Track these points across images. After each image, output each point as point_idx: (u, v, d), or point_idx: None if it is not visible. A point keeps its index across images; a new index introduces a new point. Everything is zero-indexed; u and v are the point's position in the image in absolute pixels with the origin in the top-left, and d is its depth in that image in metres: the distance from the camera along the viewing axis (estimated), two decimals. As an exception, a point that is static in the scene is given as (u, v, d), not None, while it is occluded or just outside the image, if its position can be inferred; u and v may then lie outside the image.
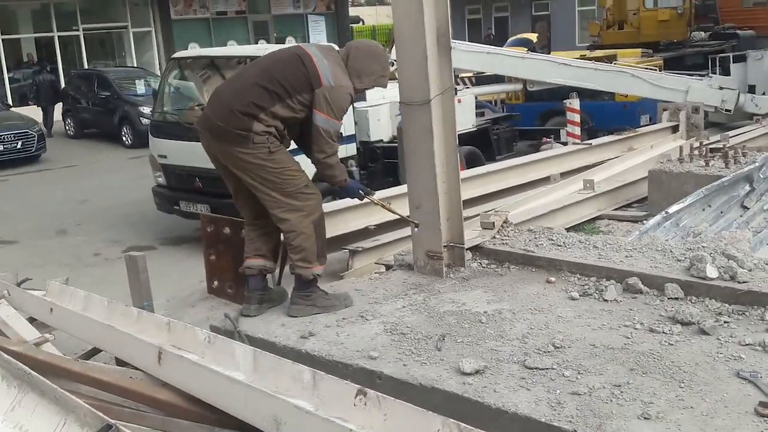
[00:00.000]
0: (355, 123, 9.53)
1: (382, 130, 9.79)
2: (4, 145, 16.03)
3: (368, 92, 10.48)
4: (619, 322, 3.78)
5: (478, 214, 5.54)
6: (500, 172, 8.02)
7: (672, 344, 3.49)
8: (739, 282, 3.86)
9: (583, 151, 8.99)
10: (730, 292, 3.84)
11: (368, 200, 4.58)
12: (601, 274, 4.31)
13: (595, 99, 12.94)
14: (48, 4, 23.24)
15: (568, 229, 7.10)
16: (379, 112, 9.85)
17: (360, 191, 4.49)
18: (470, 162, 10.30)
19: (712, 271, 3.94)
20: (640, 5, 16.27)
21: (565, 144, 10.77)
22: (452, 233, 4.69)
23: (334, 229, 6.04)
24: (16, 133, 16.28)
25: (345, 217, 6.36)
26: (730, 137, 9.67)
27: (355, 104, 9.80)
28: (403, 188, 7.67)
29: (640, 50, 14.44)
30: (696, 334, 3.58)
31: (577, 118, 11.77)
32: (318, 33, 29.91)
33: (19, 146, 16.28)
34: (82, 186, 13.99)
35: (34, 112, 19.51)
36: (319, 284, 4.30)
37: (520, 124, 13.04)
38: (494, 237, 4.97)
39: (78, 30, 23.97)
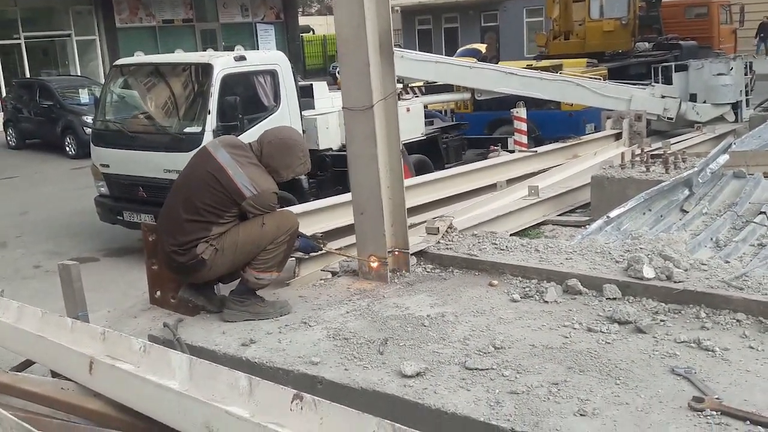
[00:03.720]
0: (303, 131, 9.48)
1: (331, 138, 9.76)
2: (-60, 156, 15.54)
3: (317, 100, 10.58)
4: (558, 322, 3.83)
5: (426, 221, 5.57)
6: (448, 179, 8.06)
7: (609, 343, 3.54)
8: (675, 282, 3.95)
9: (528, 158, 9.11)
10: (666, 292, 3.92)
11: (326, 250, 4.72)
12: (542, 276, 4.36)
13: (541, 108, 13.12)
14: (-12, 11, 22.71)
15: (513, 235, 7.22)
16: (328, 120, 9.84)
17: (313, 244, 4.60)
18: (419, 170, 10.35)
19: (648, 272, 4.01)
20: (585, 16, 16.59)
21: (512, 152, 10.89)
22: (397, 239, 4.69)
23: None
24: (-47, 145, 15.80)
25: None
26: (672, 144, 9.92)
27: (304, 113, 9.80)
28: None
29: (585, 60, 14.72)
30: (633, 332, 3.64)
31: (524, 126, 11.91)
32: (267, 42, 29.77)
33: (-43, 157, 15.80)
34: (23, 198, 13.62)
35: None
36: (259, 292, 4.25)
37: (469, 132, 13.16)
38: (439, 242, 4.99)
39: (19, 38, 23.42)
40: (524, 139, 11.91)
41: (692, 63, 12.44)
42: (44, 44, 24.85)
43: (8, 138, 19.82)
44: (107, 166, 9.28)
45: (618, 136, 10.12)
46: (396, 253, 4.69)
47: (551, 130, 12.73)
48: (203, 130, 8.42)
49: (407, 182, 7.97)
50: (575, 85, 11.49)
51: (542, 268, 4.38)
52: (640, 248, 4.46)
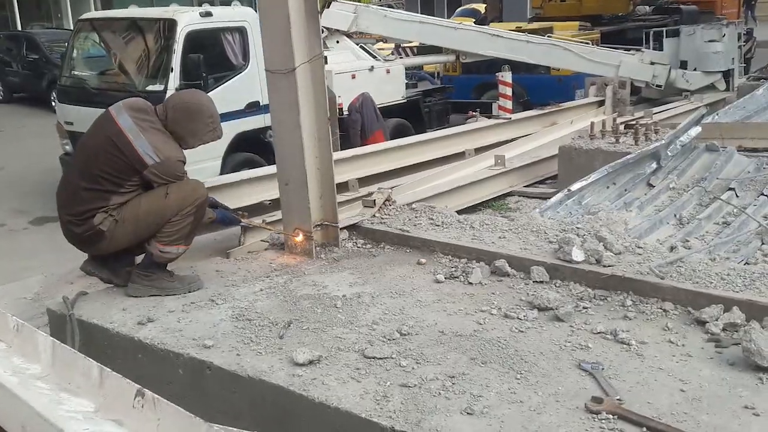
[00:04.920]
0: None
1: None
2: None
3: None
4: (476, 306, 3.60)
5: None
6: (414, 146, 7.78)
7: (522, 331, 3.32)
8: (604, 266, 3.70)
9: (502, 125, 8.80)
10: (594, 276, 3.68)
11: (246, 223, 4.52)
12: (471, 255, 4.12)
13: (531, 72, 12.76)
14: (-22, -37, 22.24)
15: (478, 206, 6.98)
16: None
17: (233, 216, 4.40)
18: (399, 134, 10.09)
19: (578, 254, 3.77)
20: (583, -23, 16.05)
21: (496, 117, 10.57)
22: (325, 212, 4.45)
23: (227, 203, 5.75)
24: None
25: (240, 191, 6.06)
26: (655, 113, 9.58)
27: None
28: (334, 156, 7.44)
29: (577, 23, 14.24)
30: (551, 320, 3.41)
31: (509, 91, 11.55)
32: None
33: (-60, 110, 15.58)
34: (4, 152, 13.44)
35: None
36: (175, 263, 4.03)
37: (456, 96, 12.83)
38: (374, 216, 4.74)
39: (11, -10, 23.02)
40: (509, 104, 11.56)
41: (683, 29, 11.98)
42: (37, -4, 24.46)
43: (-5, 91, 19.59)
44: (71, 123, 9.05)
45: (601, 104, 9.79)
46: (324, 226, 4.45)
47: (540, 95, 12.37)
48: (165, 88, 8.17)
49: (369, 148, 7.78)
50: (562, 50, 11.09)
51: (472, 247, 4.14)
52: (577, 228, 4.21)
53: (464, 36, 11.52)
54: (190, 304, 3.79)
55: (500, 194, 7.21)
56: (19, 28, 22.58)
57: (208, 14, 8.66)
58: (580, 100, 10.33)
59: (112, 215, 3.75)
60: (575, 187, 5.99)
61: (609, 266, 3.69)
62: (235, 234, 5.84)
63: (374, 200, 4.79)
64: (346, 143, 9.13)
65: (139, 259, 4.11)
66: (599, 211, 5.57)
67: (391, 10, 12.51)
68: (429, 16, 12.50)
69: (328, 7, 11.04)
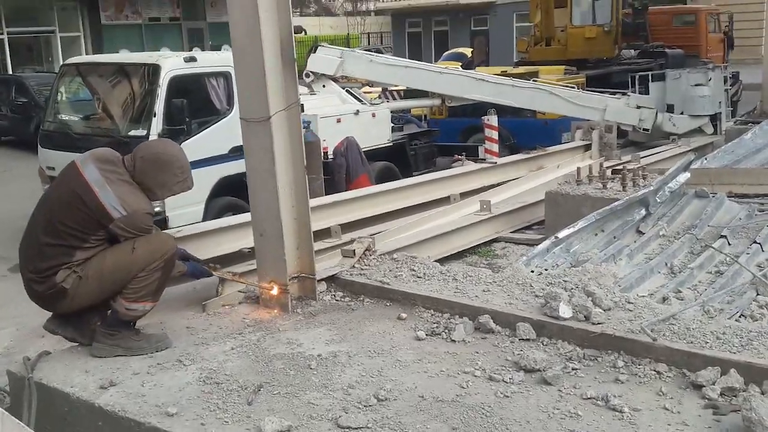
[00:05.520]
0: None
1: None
2: None
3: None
4: (459, 367, 3.40)
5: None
6: (398, 191, 7.61)
7: (508, 396, 3.11)
8: (593, 323, 3.52)
9: (488, 170, 8.66)
10: (583, 334, 3.49)
11: (218, 275, 4.37)
12: (454, 310, 3.93)
13: (517, 116, 12.72)
14: (-28, 7, 22.24)
15: (464, 252, 6.80)
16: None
17: (203, 269, 4.24)
18: (385, 178, 9.96)
19: (565, 311, 3.58)
20: (567, 22, 16.13)
21: (483, 161, 10.47)
22: (302, 263, 4.26)
23: (204, 251, 5.56)
24: None
25: (217, 239, 5.87)
26: (642, 157, 9.50)
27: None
28: (314, 202, 7.26)
29: (563, 67, 14.27)
30: (538, 383, 3.21)
31: (495, 134, 11.49)
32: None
33: (-76, 154, 15.35)
34: (-13, 197, 13.21)
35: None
36: (139, 321, 3.82)
37: (442, 139, 12.76)
38: (353, 266, 4.56)
39: (2, 33, 22.95)
40: (495, 147, 11.50)
41: (669, 72, 11.99)
42: (28, 40, 24.39)
43: (-17, 134, 19.42)
44: (53, 168, 8.86)
45: (588, 148, 9.70)
46: (301, 278, 4.26)
47: (527, 138, 12.33)
48: (148, 133, 8.04)
49: (353, 193, 7.62)
50: (548, 93, 11.02)
51: (455, 301, 3.95)
52: (564, 281, 4.03)
53: (450, 80, 11.46)
54: (156, 365, 3.57)
55: (486, 240, 7.03)
56: (10, 71, 22.48)
57: (192, 59, 8.56)
58: (566, 144, 10.25)
59: (75, 272, 3.54)
60: (563, 234, 5.83)
61: (598, 323, 3.51)
62: (213, 283, 5.65)
63: (354, 250, 4.62)
64: (330, 187, 8.99)
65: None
66: (588, 260, 5.41)
67: (377, 54, 12.49)
68: (414, 61, 12.49)
69: (315, 52, 11.02)
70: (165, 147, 3.89)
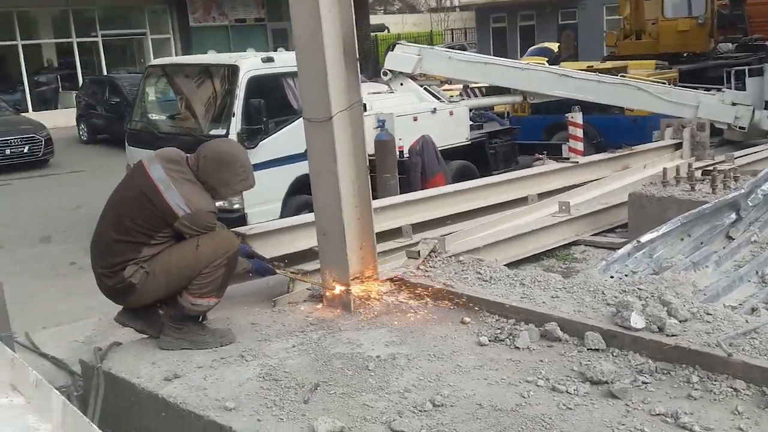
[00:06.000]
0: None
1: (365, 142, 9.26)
2: (10, 149, 15.95)
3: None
4: (521, 375, 3.26)
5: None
6: (472, 191, 7.44)
7: (571, 408, 2.96)
8: (667, 335, 3.30)
9: (569, 169, 8.37)
10: (655, 347, 3.28)
11: (282, 273, 4.39)
12: (520, 316, 3.78)
13: (604, 113, 12.29)
14: (67, 11, 23.31)
15: (541, 255, 6.59)
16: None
17: (268, 266, 4.26)
18: (462, 177, 9.81)
19: (637, 321, 3.38)
20: (659, 14, 15.47)
21: (566, 160, 10.17)
22: (366, 263, 4.21)
23: (279, 249, 5.60)
24: (23, 138, 16.17)
25: (292, 236, 5.88)
26: (737, 158, 8.98)
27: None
28: (379, 202, 7.22)
29: (654, 62, 13.69)
30: (604, 396, 3.04)
31: (579, 132, 11.14)
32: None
33: (25, 150, 16.18)
34: (83, 192, 13.78)
35: (47, 117, 19.58)
36: (206, 318, 3.87)
37: (524, 137, 12.48)
38: (418, 268, 4.47)
39: (97, 36, 24.02)
40: (579, 146, 11.15)
41: (767, 67, 11.32)
42: (121, 42, 25.47)
43: (80, 132, 20.36)
44: (139, 166, 9.16)
45: (678, 147, 9.25)
46: (364, 279, 4.20)
47: (615, 136, 11.90)
48: (227, 132, 8.21)
49: (425, 193, 7.51)
50: (636, 89, 10.61)
51: (521, 307, 3.80)
52: (639, 289, 3.81)
53: (531, 76, 11.20)
54: (219, 360, 3.61)
55: (565, 243, 6.79)
56: (105, 72, 23.51)
57: (270, 60, 8.68)
58: (655, 143, 9.80)
59: (143, 267, 3.63)
60: (645, 238, 5.55)
61: (673, 335, 3.29)
62: (285, 280, 5.67)
63: (419, 251, 4.52)
64: (406, 186, 8.92)
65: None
66: (671, 266, 5.14)
67: (456, 51, 12.31)
68: (494, 57, 12.26)
69: (393, 50, 10.98)
70: (227, 146, 3.93)
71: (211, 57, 9.75)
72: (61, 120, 21.40)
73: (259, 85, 8.45)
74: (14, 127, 16.44)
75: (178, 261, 3.64)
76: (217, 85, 8.85)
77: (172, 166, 3.70)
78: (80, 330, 4.91)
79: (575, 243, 6.88)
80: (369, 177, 4.11)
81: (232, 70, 8.47)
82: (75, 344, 4.63)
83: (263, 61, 8.58)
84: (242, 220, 8.13)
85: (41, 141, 16.44)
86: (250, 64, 8.52)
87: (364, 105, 4.49)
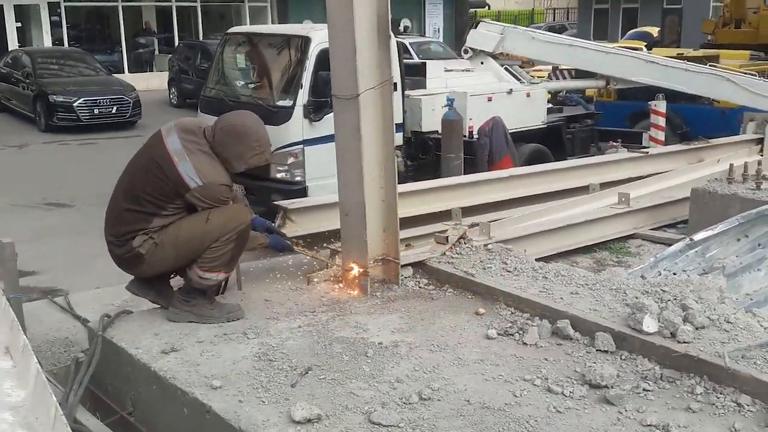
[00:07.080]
0: (405, 111, 9.01)
1: (435, 120, 9.18)
2: (99, 109, 16.48)
3: (429, 80, 10.01)
4: (520, 373, 3.15)
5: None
6: (531, 177, 7.26)
7: (560, 412, 2.84)
8: (678, 341, 3.12)
9: (638, 159, 8.02)
10: (665, 353, 3.11)
11: (299, 251, 4.32)
12: (535, 310, 3.65)
13: (692, 102, 11.69)
14: (168, -26, 23.96)
15: (595, 247, 6.36)
16: (434, 101, 9.31)
17: (286, 243, 4.22)
18: (535, 160, 9.57)
19: (650, 324, 3.21)
20: (761, 3, 14.49)
21: (646, 149, 9.75)
22: (388, 246, 4.15)
23: (314, 225, 5.61)
24: (111, 98, 16.62)
25: (327, 213, 5.89)
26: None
27: (412, 93, 9.29)
28: (438, 182, 7.11)
29: (748, 53, 12.86)
30: (598, 401, 2.91)
31: (661, 121, 10.65)
32: (435, 16, 29.22)
33: (113, 111, 16.66)
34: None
35: (142, 79, 20.23)
36: (225, 290, 3.93)
37: (609, 123, 12.02)
38: (444, 254, 4.37)
39: (196, 1, 24.59)
40: (661, 135, 10.67)
41: None
42: (219, 8, 25.98)
43: (171, 96, 20.90)
44: (213, 134, 9.33)
45: (759, 142, 8.71)
46: (386, 261, 4.15)
47: (702, 127, 11.29)
48: (294, 104, 8.24)
49: (480, 176, 7.35)
50: (724, 80, 9.99)
51: (536, 301, 3.67)
52: (662, 291, 3.61)
53: (615, 60, 10.72)
54: (222, 335, 3.62)
55: (621, 236, 6.53)
56: (201, 37, 24.05)
57: (342, 32, 8.63)
58: (733, 137, 9.26)
59: (152, 238, 3.66)
60: (699, 236, 5.26)
61: (684, 342, 3.10)
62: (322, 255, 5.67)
63: (447, 237, 4.43)
64: (471, 167, 8.76)
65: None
66: (722, 267, 4.86)
67: (540, 32, 11.91)
68: (578, 39, 11.81)
69: (475, 27, 10.77)
70: (243, 119, 3.89)
71: (285, 27, 9.79)
72: (154, 83, 22.06)
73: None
74: (104, 88, 16.86)
75: (187, 233, 3.64)
76: (289, 56, 8.84)
77: (188, 137, 3.70)
78: (119, 294, 5.03)
79: (632, 236, 6.62)
80: (394, 158, 4.01)
81: (305, 42, 8.44)
82: (110, 307, 4.74)
83: None
84: (303, 192, 8.18)
85: (129, 102, 16.82)
86: (322, 36, 8.47)
87: (395, 84, 4.38)
